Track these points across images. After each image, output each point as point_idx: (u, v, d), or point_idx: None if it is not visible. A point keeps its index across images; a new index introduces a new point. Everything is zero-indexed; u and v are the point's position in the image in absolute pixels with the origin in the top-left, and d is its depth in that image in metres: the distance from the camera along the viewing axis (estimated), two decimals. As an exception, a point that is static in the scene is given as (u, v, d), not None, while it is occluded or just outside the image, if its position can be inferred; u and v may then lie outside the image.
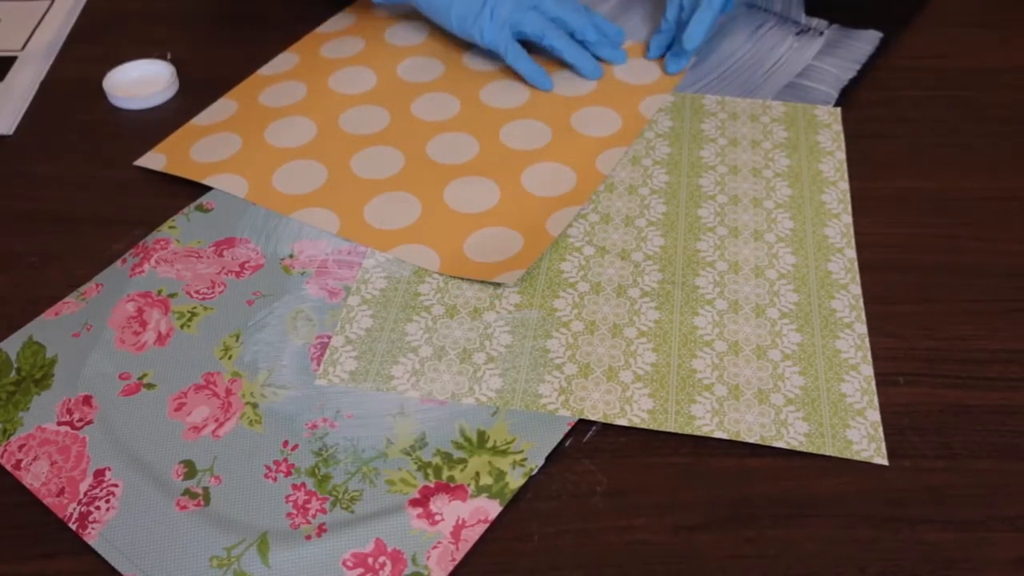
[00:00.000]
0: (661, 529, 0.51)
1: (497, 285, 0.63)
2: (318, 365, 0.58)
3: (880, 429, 0.54)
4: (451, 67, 0.82)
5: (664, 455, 0.54)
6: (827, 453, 0.53)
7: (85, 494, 0.52)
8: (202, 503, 0.51)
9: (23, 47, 0.86)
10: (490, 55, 0.82)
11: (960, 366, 0.58)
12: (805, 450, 0.54)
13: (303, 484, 0.52)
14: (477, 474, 0.52)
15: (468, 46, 0.84)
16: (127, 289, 0.62)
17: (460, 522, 0.50)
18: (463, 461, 0.53)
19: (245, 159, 0.72)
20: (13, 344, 0.60)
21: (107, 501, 0.51)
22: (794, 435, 0.54)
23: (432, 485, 0.52)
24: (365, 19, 0.87)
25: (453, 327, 0.60)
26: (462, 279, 0.63)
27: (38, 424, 0.55)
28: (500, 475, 0.52)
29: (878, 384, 0.57)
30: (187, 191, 0.70)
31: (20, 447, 0.54)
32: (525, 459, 0.53)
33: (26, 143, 0.76)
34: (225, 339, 0.60)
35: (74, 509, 0.51)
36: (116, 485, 0.52)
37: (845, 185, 0.70)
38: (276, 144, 0.74)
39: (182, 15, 0.90)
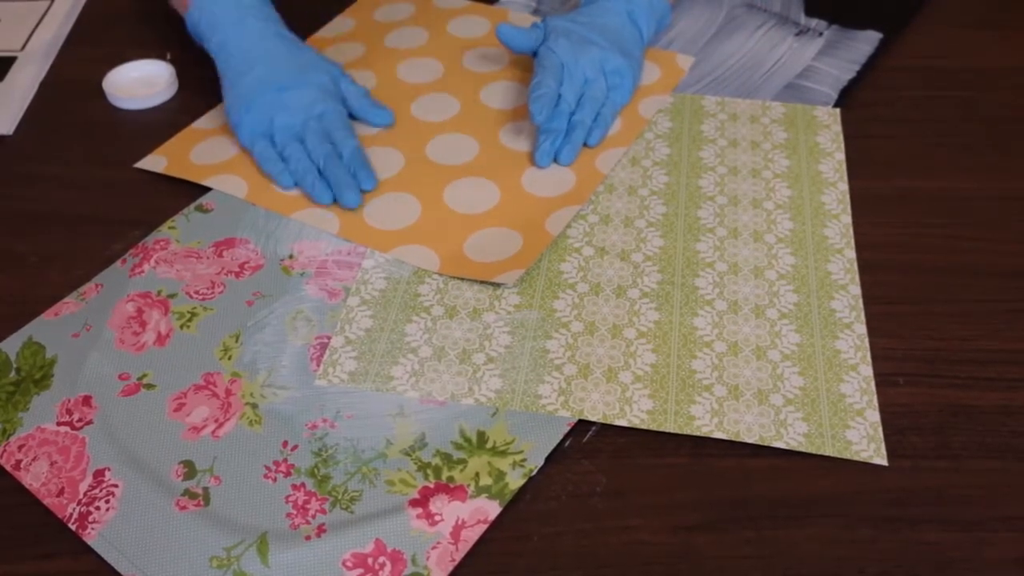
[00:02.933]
0: (660, 529, 0.51)
1: (497, 286, 0.63)
2: (318, 365, 0.58)
3: (880, 429, 0.54)
4: (451, 68, 0.82)
5: (663, 456, 0.54)
6: (827, 453, 0.53)
7: (85, 494, 0.52)
8: (202, 503, 0.51)
9: (23, 47, 0.86)
10: (490, 57, 0.82)
11: (960, 366, 0.58)
12: (804, 450, 0.54)
13: (303, 484, 0.52)
14: (477, 474, 0.52)
15: (467, 48, 0.84)
16: (127, 289, 0.62)
17: (460, 522, 0.50)
18: (463, 462, 0.53)
19: (245, 160, 0.72)
20: (13, 344, 0.60)
21: (107, 501, 0.51)
22: (793, 435, 0.54)
23: (432, 485, 0.52)
24: (365, 23, 0.87)
25: (453, 328, 0.60)
26: (462, 279, 0.63)
27: (38, 424, 0.55)
28: (500, 475, 0.52)
29: (878, 384, 0.57)
30: (187, 192, 0.70)
31: (20, 447, 0.54)
32: (525, 460, 0.53)
33: (26, 143, 0.76)
34: (225, 339, 0.60)
35: (74, 509, 0.51)
36: (116, 485, 0.52)
37: (845, 186, 0.70)
38: (276, 145, 0.74)
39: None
